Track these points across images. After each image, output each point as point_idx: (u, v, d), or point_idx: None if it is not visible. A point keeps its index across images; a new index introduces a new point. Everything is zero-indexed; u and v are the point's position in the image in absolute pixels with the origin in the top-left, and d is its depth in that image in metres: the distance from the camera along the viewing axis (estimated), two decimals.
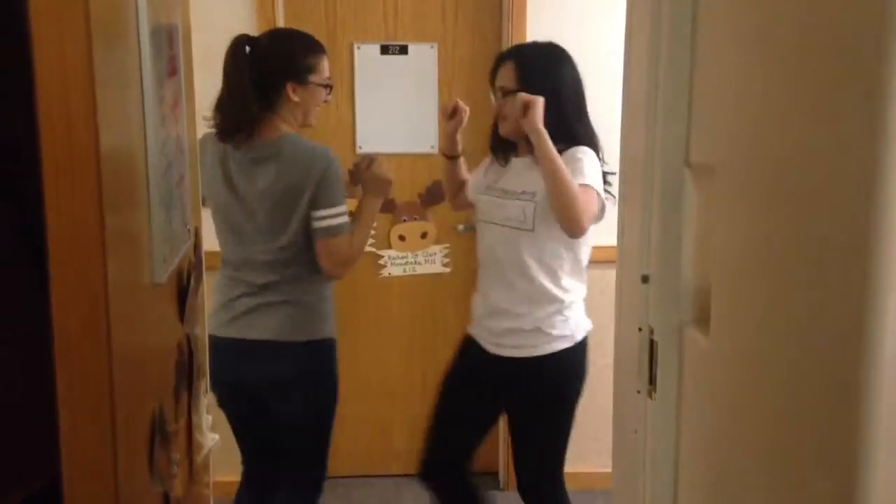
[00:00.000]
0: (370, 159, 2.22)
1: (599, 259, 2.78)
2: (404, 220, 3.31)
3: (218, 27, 2.46)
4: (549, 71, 2.15)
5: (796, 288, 0.80)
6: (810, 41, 0.78)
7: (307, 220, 2.07)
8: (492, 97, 2.26)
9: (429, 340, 3.38)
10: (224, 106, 2.06)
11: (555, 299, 2.16)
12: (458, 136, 2.35)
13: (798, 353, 0.80)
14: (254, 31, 2.74)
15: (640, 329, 1.26)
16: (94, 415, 1.13)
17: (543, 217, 2.12)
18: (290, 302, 2.12)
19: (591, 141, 2.18)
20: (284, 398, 2.17)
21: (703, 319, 1.12)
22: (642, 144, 1.25)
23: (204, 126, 2.10)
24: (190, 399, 1.84)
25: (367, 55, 3.18)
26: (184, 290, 1.75)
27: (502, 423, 2.64)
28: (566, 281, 2.18)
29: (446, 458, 2.35)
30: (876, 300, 0.67)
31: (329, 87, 2.17)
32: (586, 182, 2.05)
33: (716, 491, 1.04)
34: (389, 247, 3.31)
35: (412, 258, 3.34)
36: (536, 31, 3.05)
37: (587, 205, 2.03)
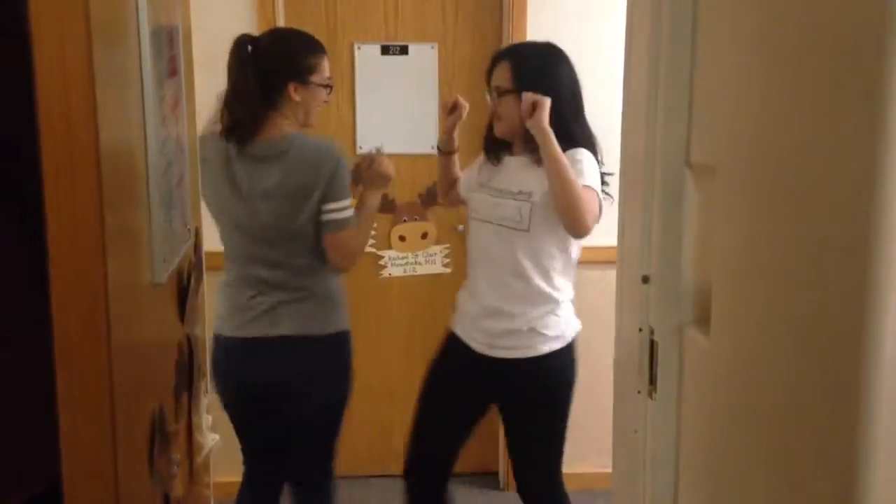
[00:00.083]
0: (371, 158, 2.23)
1: (599, 259, 2.78)
2: (405, 221, 3.31)
3: (218, 27, 2.46)
4: (545, 71, 2.14)
5: (796, 288, 0.80)
6: (810, 41, 0.78)
7: (315, 215, 2.09)
8: (487, 97, 2.26)
9: (429, 340, 3.36)
10: (230, 105, 2.07)
11: (549, 299, 2.16)
12: (456, 133, 2.35)
13: (798, 354, 0.80)
14: (254, 32, 2.74)
15: (640, 329, 1.26)
16: (95, 415, 1.13)
17: (539, 218, 2.11)
18: (307, 296, 2.14)
19: (589, 142, 2.17)
20: (307, 392, 2.18)
21: (703, 320, 1.12)
22: (643, 144, 1.25)
23: (206, 125, 2.10)
24: (190, 399, 1.84)
25: (367, 55, 3.18)
26: (184, 290, 1.75)
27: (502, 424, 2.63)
28: (558, 281, 2.18)
29: (433, 463, 2.34)
30: (876, 300, 0.67)
31: (329, 87, 2.17)
32: (587, 183, 2.05)
33: (716, 491, 1.04)
34: (390, 247, 3.31)
35: (412, 258, 3.34)
36: (536, 30, 3.05)
37: (590, 205, 2.03)
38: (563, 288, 2.19)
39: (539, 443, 2.27)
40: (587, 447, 3.21)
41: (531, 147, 2.13)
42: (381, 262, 3.31)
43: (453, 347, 2.30)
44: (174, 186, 1.59)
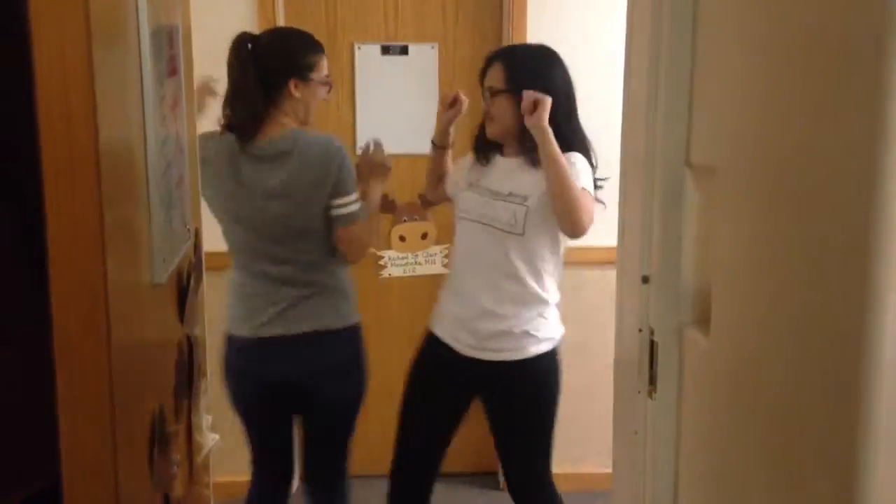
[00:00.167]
0: (367, 151, 2.24)
1: (599, 259, 2.78)
2: (405, 221, 3.30)
3: (219, 27, 2.46)
4: (539, 72, 2.13)
5: (797, 288, 0.80)
6: (812, 41, 0.78)
7: (323, 211, 2.10)
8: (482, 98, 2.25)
9: None
10: (232, 103, 2.08)
11: (540, 301, 2.16)
12: (452, 128, 2.35)
13: (798, 354, 0.80)
14: (254, 31, 2.74)
15: (640, 330, 1.26)
16: (94, 415, 1.13)
17: (534, 221, 2.10)
18: (319, 291, 2.16)
19: (583, 145, 2.15)
20: (325, 389, 2.19)
21: (703, 320, 1.12)
22: (643, 144, 1.25)
23: (209, 125, 2.11)
24: (190, 399, 1.84)
25: (367, 55, 3.18)
26: (184, 290, 1.75)
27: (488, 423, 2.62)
28: (549, 283, 2.18)
29: (421, 463, 2.34)
30: (876, 300, 0.67)
31: (329, 84, 2.18)
32: (582, 185, 2.04)
33: (716, 491, 1.04)
34: (389, 247, 3.31)
35: (412, 259, 3.34)
36: (537, 31, 3.05)
37: (587, 206, 2.03)
38: (552, 290, 2.20)
39: (528, 444, 2.26)
40: (587, 447, 3.21)
41: (526, 148, 2.12)
42: (381, 263, 3.30)
43: (434, 348, 2.28)
44: (174, 186, 1.59)
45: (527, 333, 2.15)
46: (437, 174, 2.44)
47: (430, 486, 2.35)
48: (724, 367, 1.01)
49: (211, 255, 2.25)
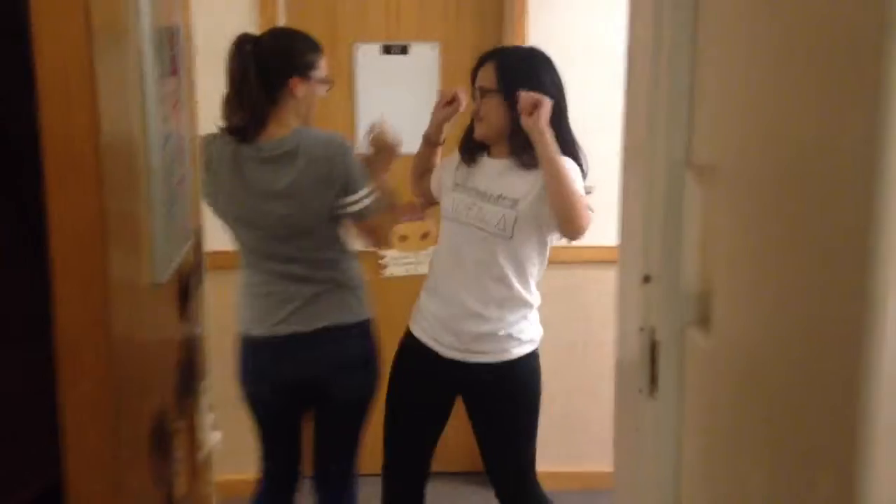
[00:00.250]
0: (374, 131, 2.22)
1: (600, 259, 2.78)
2: (405, 221, 3.30)
3: (220, 27, 2.46)
4: (530, 74, 2.11)
5: (799, 287, 0.80)
6: (815, 40, 0.78)
7: (332, 208, 2.11)
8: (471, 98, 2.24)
9: None
10: (232, 104, 2.08)
11: (524, 304, 2.16)
12: (446, 126, 2.34)
13: (800, 353, 0.80)
14: (255, 30, 2.74)
15: (641, 329, 1.26)
16: (97, 414, 1.13)
17: (524, 225, 2.08)
18: (333, 287, 2.17)
19: (572, 149, 2.12)
20: (340, 385, 2.20)
21: (704, 319, 1.12)
22: (644, 144, 1.25)
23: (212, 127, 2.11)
24: (191, 398, 1.84)
25: (368, 55, 3.18)
26: (185, 289, 1.75)
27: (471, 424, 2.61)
28: (533, 286, 2.17)
29: (411, 464, 2.33)
30: (879, 300, 0.67)
31: (329, 83, 2.19)
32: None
33: (717, 490, 1.05)
34: (391, 247, 3.31)
35: (413, 258, 3.34)
36: (537, 30, 3.05)
37: (586, 208, 2.03)
38: (535, 292, 2.19)
39: (512, 446, 2.26)
40: (589, 447, 3.21)
41: (518, 150, 2.10)
42: (382, 262, 3.31)
43: (415, 350, 2.26)
44: (175, 185, 1.59)
45: (510, 336, 2.15)
46: (424, 167, 2.41)
47: (423, 486, 2.35)
48: (726, 366, 1.01)
49: (213, 254, 2.26)
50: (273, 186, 2.06)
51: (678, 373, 1.19)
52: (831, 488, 0.73)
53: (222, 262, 2.54)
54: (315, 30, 2.37)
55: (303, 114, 2.14)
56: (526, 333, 2.17)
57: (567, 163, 2.06)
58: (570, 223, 2.00)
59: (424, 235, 3.32)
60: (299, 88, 2.10)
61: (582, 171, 2.12)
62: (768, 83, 0.88)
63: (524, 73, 2.12)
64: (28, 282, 1.27)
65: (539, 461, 2.31)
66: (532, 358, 2.20)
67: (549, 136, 1.99)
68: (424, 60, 3.20)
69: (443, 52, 3.20)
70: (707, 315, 1.08)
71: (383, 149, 2.21)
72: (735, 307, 0.98)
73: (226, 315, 2.57)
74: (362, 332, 2.23)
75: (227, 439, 2.24)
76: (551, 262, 2.27)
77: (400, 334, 3.36)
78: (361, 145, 2.27)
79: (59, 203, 1.09)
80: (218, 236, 2.27)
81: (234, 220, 2.15)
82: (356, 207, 2.10)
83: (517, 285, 2.13)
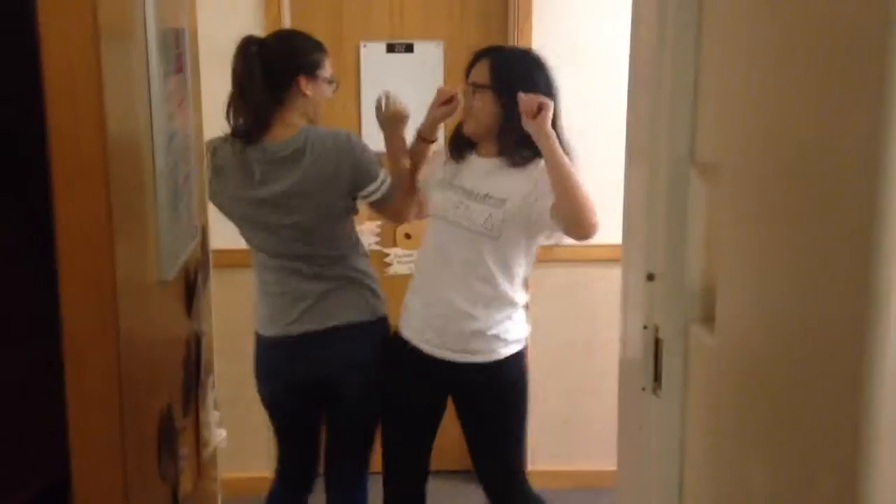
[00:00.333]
0: (381, 103, 2.20)
1: (604, 256, 2.78)
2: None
3: (225, 27, 2.47)
4: (524, 74, 2.10)
5: (802, 285, 0.81)
6: (816, 39, 0.78)
7: (342, 202, 2.12)
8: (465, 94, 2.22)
9: None
10: (237, 106, 2.09)
11: (510, 304, 2.15)
12: (442, 124, 2.32)
13: (803, 351, 0.80)
14: (260, 30, 2.75)
15: (645, 327, 1.26)
16: (103, 411, 1.14)
17: (511, 225, 2.08)
18: (344, 285, 2.17)
19: (564, 150, 2.07)
20: (355, 383, 2.20)
21: (708, 317, 1.12)
22: (648, 142, 1.25)
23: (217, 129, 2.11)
24: (198, 395, 1.85)
25: (372, 53, 3.19)
26: (191, 286, 1.76)
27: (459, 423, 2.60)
28: (519, 285, 2.17)
29: (409, 465, 2.33)
30: (882, 298, 0.67)
31: (334, 83, 2.19)
32: None
33: (721, 487, 1.05)
34: (395, 245, 3.32)
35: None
36: (542, 29, 3.05)
37: (594, 207, 2.02)
38: (521, 292, 2.19)
39: (500, 445, 2.26)
40: (592, 445, 3.21)
41: (508, 149, 2.10)
42: (387, 260, 3.31)
43: (404, 351, 2.24)
44: (181, 183, 1.59)
45: (497, 336, 2.14)
46: (414, 164, 2.40)
47: (423, 486, 2.35)
48: (729, 364, 1.01)
49: (219, 252, 2.26)
50: (282, 186, 2.07)
51: (682, 370, 1.19)
52: (834, 485, 0.74)
53: (228, 259, 2.55)
54: (320, 29, 2.38)
55: (310, 114, 2.14)
56: (511, 333, 2.16)
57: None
58: (579, 226, 1.99)
59: None
60: (306, 87, 2.10)
61: None
62: (771, 82, 0.88)
63: (518, 73, 2.11)
64: (33, 281, 1.27)
65: (541, 459, 2.31)
66: (519, 357, 2.20)
67: (555, 138, 1.97)
68: (429, 59, 3.20)
69: (447, 50, 3.20)
70: (710, 313, 1.08)
71: (393, 116, 2.19)
72: (738, 305, 0.98)
73: (232, 312, 2.58)
74: (374, 331, 2.22)
75: (233, 437, 2.25)
76: (555, 261, 2.26)
77: None
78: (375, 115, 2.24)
79: (66, 202, 1.09)
80: (224, 234, 2.28)
81: (248, 222, 2.16)
82: (377, 196, 2.13)
83: (503, 285, 2.12)
